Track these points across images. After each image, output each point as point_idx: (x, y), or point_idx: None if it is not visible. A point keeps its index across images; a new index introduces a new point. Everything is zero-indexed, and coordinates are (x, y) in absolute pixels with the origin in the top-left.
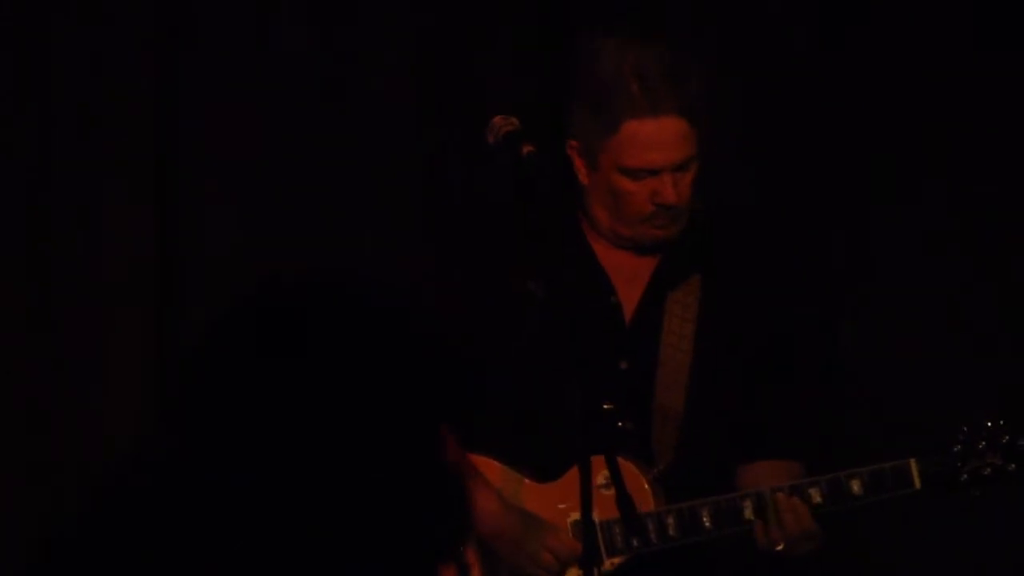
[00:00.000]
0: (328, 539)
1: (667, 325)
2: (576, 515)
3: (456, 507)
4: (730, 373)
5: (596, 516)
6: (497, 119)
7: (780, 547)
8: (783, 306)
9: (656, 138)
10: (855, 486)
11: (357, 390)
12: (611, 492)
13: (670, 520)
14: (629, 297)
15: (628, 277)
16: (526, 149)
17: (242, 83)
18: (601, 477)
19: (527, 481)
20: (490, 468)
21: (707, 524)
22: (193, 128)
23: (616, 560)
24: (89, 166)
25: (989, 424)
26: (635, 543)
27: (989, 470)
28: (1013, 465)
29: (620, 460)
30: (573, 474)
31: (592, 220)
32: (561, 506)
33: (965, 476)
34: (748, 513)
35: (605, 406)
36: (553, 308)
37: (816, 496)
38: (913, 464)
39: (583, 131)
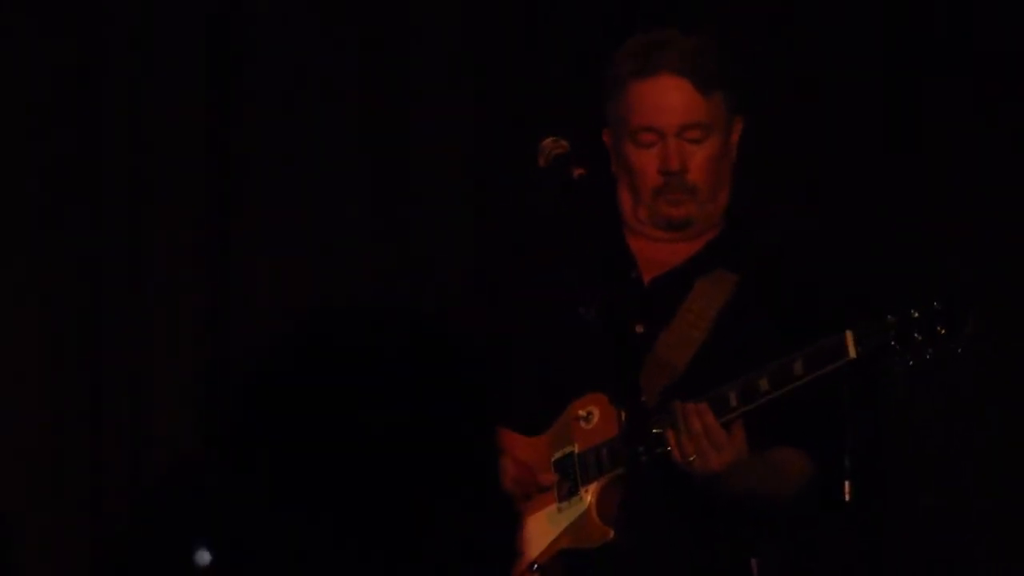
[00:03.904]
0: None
1: (687, 304)
2: (558, 453)
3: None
4: (743, 363)
5: (576, 448)
6: (547, 142)
7: (692, 458)
8: (816, 324)
9: (655, 96)
10: (797, 367)
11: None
12: (590, 426)
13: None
14: (654, 276)
15: (657, 264)
16: (577, 172)
17: (293, 91)
18: (582, 411)
19: (540, 439)
20: (514, 441)
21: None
22: (245, 139)
23: (591, 487)
24: (141, 170)
25: (923, 295)
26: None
27: (920, 336)
28: (943, 330)
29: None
30: (560, 421)
31: (621, 211)
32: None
33: (897, 343)
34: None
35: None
36: (599, 325)
37: (764, 384)
38: (849, 336)
39: (608, 113)
